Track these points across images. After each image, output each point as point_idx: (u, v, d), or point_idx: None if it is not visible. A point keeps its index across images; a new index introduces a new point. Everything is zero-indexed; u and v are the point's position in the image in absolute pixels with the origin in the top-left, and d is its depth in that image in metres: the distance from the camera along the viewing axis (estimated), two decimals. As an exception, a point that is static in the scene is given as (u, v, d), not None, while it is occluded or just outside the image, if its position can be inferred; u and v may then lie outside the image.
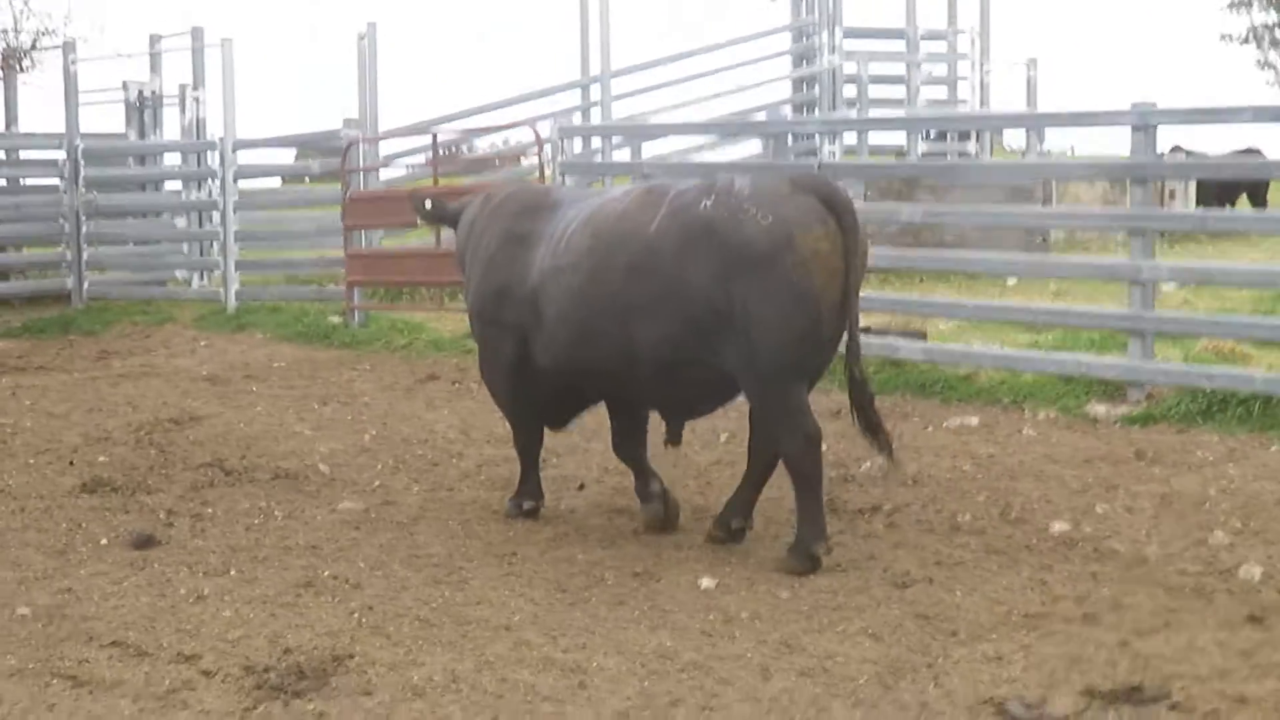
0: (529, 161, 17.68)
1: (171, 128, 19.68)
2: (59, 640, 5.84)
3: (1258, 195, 26.27)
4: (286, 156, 20.89)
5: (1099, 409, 9.60)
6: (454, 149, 20.25)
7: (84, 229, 17.93)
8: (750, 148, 19.24)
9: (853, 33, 20.80)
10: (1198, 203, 25.69)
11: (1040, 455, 8.72)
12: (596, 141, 17.91)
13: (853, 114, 19.14)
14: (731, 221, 6.69)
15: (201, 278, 18.69)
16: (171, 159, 19.40)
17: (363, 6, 32.53)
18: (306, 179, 21.11)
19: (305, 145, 19.07)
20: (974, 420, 9.72)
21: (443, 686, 5.32)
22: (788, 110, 20.48)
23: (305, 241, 17.59)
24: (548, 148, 13.74)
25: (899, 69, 20.99)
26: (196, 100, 18.90)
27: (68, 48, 18.61)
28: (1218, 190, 26.30)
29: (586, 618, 6.14)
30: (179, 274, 18.98)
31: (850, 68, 19.91)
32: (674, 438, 7.80)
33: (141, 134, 19.60)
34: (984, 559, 6.94)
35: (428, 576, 6.75)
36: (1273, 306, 12.48)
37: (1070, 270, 11.14)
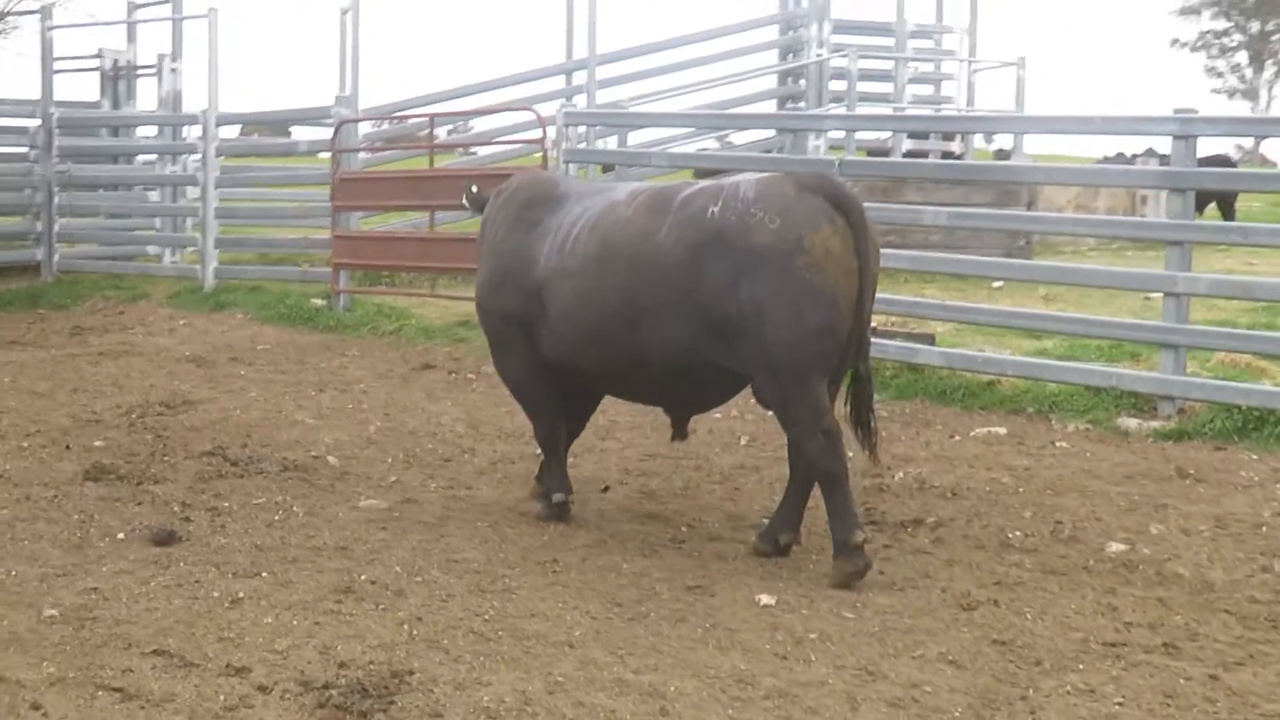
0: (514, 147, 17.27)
1: (146, 99, 19.21)
2: (95, 647, 5.47)
3: (1226, 205, 26.29)
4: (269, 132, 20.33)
5: (1130, 423, 9.38)
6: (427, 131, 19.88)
7: (55, 200, 17.43)
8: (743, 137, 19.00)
9: (841, 27, 20.56)
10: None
11: (1079, 469, 8.49)
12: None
13: (841, 109, 18.90)
14: (740, 226, 6.68)
15: (173, 254, 18.24)
16: (146, 130, 18.91)
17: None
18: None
19: (293, 123, 18.61)
20: (1002, 430, 9.49)
21: (516, 710, 5.01)
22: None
23: (287, 220, 17.16)
24: (551, 132, 13.38)
25: (885, 65, 20.75)
26: (174, 71, 18.43)
27: (45, 13, 18.07)
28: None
29: (650, 635, 5.84)
30: (150, 249, 18.50)
31: (839, 62, 19.63)
32: (680, 433, 7.69)
33: (115, 104, 19.10)
34: (1043, 580, 6.71)
35: (470, 584, 6.43)
36: (1271, 320, 12.24)
37: (1103, 279, 10.82)
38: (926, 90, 21.77)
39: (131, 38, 19.17)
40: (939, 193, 16.24)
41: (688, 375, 7.02)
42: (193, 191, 17.79)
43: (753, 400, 7.33)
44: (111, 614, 5.86)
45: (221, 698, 5.03)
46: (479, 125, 18.59)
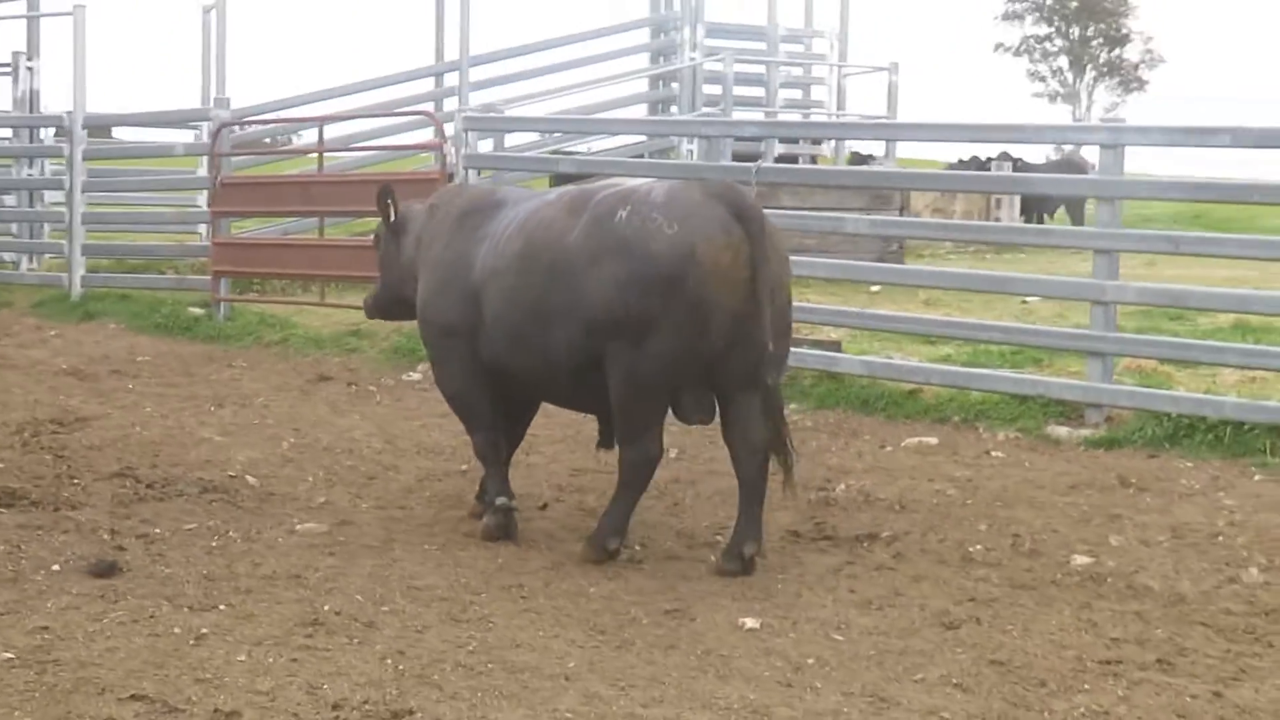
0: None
1: (-1, 99, 18.45)
2: (66, 693, 5.08)
3: (1075, 209, 26.81)
4: (138, 135, 19.56)
5: (1060, 431, 9.39)
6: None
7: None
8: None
9: (714, 30, 20.48)
10: (1021, 213, 26.12)
11: (1021, 480, 8.46)
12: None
13: (718, 113, 18.82)
14: (641, 232, 6.69)
15: (31, 260, 17.50)
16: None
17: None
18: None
19: (166, 124, 17.94)
20: (932, 440, 9.43)
21: (534, 751, 4.77)
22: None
23: (157, 227, 16.56)
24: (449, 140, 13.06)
25: (758, 68, 20.72)
26: (30, 70, 17.69)
27: (-109, 8, 17.26)
28: (1035, 202, 26.79)
29: (644, 664, 5.63)
30: (7, 256, 17.74)
31: (714, 66, 19.54)
32: (607, 442, 7.60)
33: (-35, 104, 18.30)
34: (1016, 595, 6.62)
35: (441, 613, 6.15)
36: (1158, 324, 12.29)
37: (1031, 287, 10.77)
38: (796, 94, 21.79)
39: (-16, 35, 18.38)
40: (814, 197, 16.22)
41: (591, 377, 6.95)
42: (51, 196, 17.14)
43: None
44: (72, 655, 5.47)
45: (219, 747, 4.71)
46: (363, 127, 18.05)
